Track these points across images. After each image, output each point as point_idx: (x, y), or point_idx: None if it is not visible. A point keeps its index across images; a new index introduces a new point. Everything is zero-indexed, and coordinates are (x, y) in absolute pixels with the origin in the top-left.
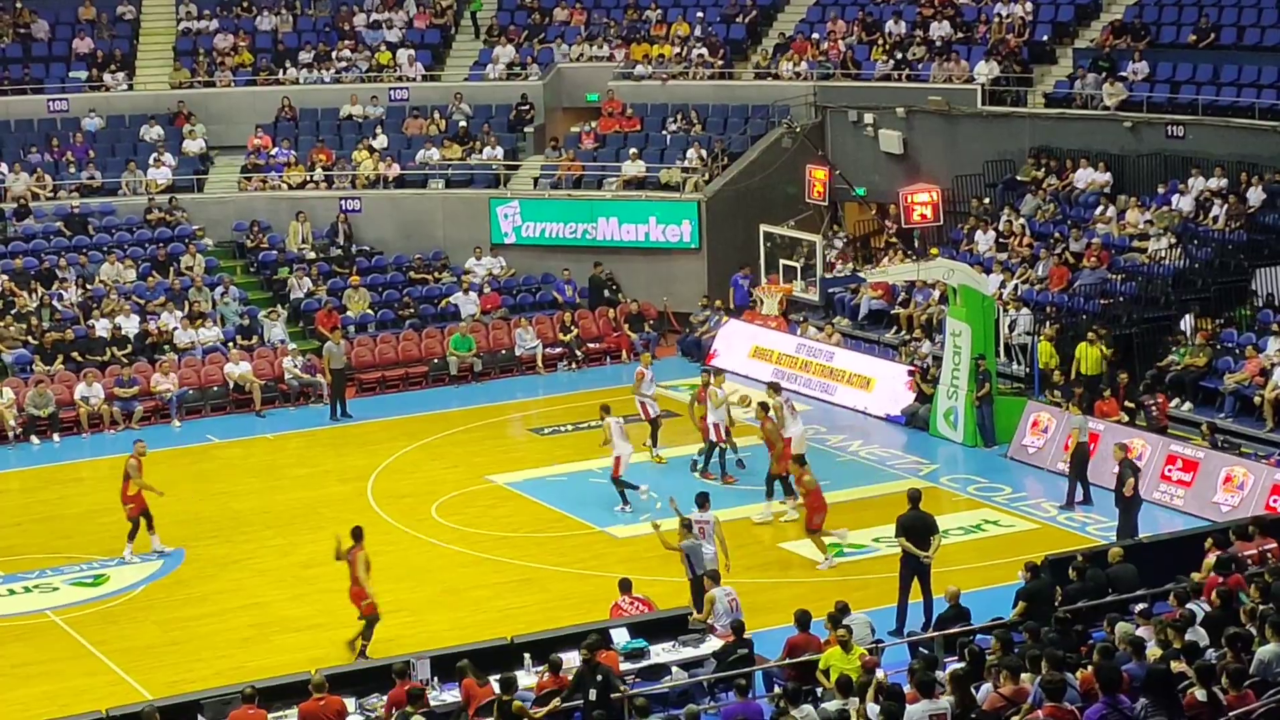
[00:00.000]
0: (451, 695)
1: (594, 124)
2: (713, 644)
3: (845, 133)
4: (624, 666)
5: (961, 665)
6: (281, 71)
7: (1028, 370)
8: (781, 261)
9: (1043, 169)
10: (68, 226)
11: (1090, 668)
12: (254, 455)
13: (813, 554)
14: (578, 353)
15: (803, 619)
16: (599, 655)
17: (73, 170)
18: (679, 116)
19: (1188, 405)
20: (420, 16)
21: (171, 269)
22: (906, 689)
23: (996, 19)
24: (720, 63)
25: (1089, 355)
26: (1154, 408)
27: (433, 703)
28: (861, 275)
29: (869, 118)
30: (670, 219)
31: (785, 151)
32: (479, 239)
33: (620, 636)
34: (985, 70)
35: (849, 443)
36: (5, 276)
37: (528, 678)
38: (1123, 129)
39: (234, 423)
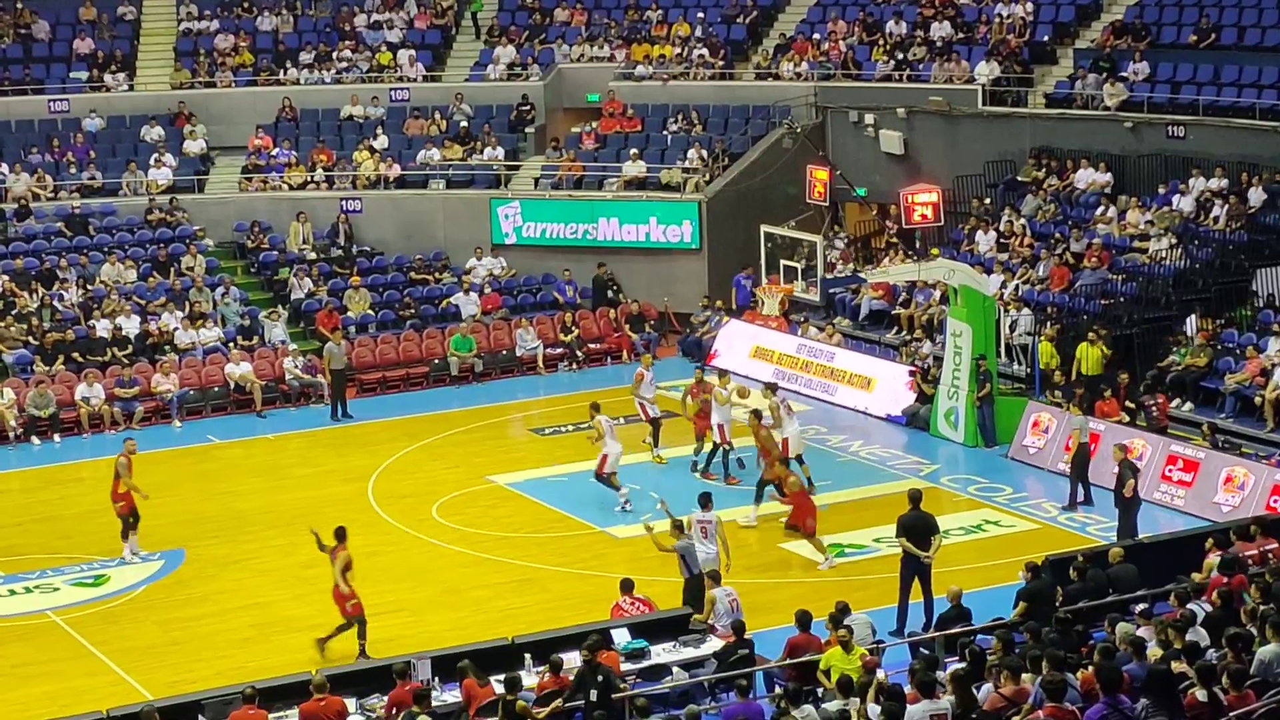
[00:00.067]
0: (452, 696)
1: (595, 124)
2: (713, 644)
3: (846, 133)
4: (625, 667)
5: (962, 665)
6: (282, 72)
7: (1028, 371)
8: (782, 262)
9: (1043, 169)
10: (68, 227)
11: (1091, 668)
12: (255, 456)
13: (812, 554)
14: (578, 353)
15: (803, 619)
16: (599, 655)
17: (73, 171)
18: (680, 117)
19: (1188, 405)
20: (421, 17)
21: (172, 269)
22: (907, 689)
23: (997, 19)
24: (721, 63)
25: (1090, 355)
26: (1154, 408)
27: (433, 703)
28: (862, 275)
29: (870, 118)
30: (671, 219)
31: (786, 152)
32: (480, 239)
33: (621, 637)
34: (986, 71)
35: (850, 443)
36: (6, 277)
37: (529, 678)
38: (1123, 129)
39: (235, 423)
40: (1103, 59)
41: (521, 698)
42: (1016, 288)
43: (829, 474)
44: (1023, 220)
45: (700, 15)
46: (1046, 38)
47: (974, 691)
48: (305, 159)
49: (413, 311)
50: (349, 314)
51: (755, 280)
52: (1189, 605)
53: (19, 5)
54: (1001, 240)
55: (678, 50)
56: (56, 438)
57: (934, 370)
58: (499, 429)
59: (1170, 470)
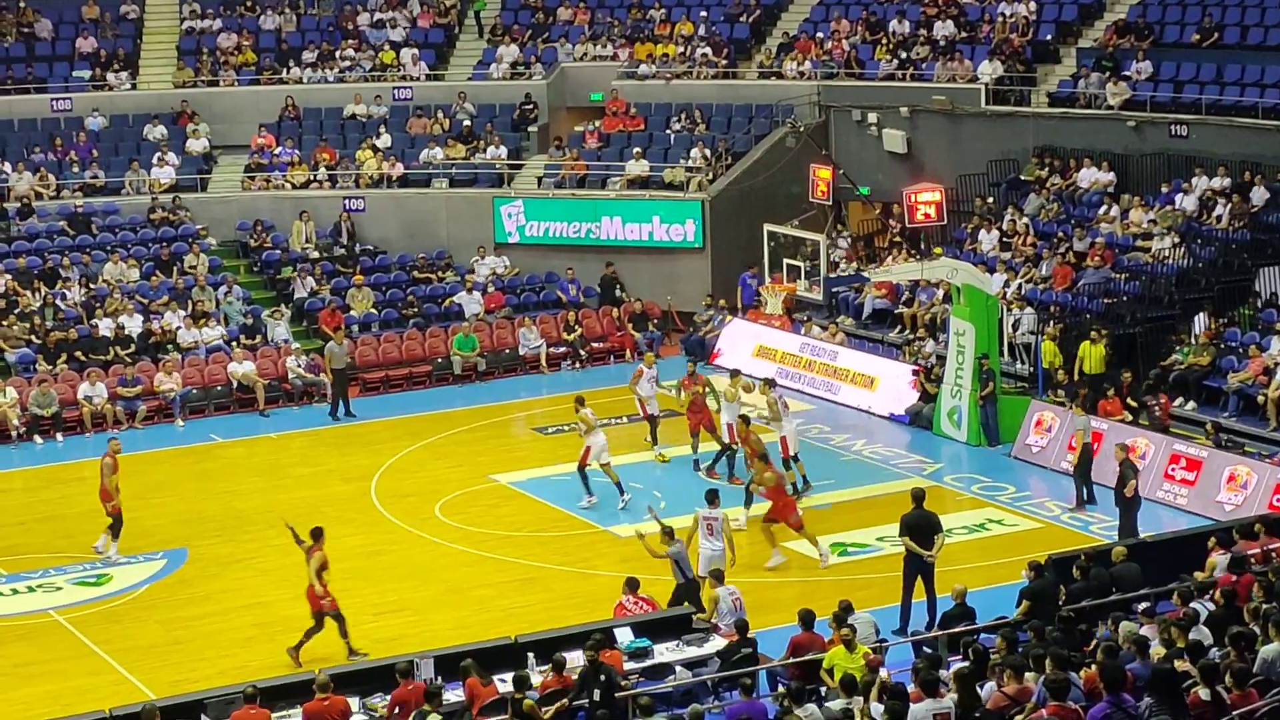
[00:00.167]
0: (455, 695)
1: (598, 123)
2: (717, 643)
3: (849, 132)
4: (628, 666)
5: (965, 664)
6: (285, 71)
7: (1031, 369)
8: (785, 261)
9: (1046, 168)
10: (71, 226)
11: (1094, 667)
12: (257, 455)
13: (811, 552)
14: (581, 352)
15: (806, 618)
16: (602, 655)
17: (76, 169)
18: (683, 116)
19: (1191, 404)
20: (424, 16)
21: (175, 268)
22: (910, 688)
23: (1000, 18)
24: (724, 62)
25: (1092, 354)
26: (1156, 408)
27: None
28: (865, 274)
29: (873, 117)
30: (674, 218)
31: (789, 151)
32: (483, 238)
33: (624, 636)
34: (989, 70)
35: (853, 442)
36: (9, 276)
37: (533, 677)
38: (1126, 128)
39: (237, 422)
40: (1105, 58)
41: (527, 696)
42: (1019, 287)
43: (832, 473)
44: (1026, 219)
45: (703, 14)
46: (1049, 37)
47: (977, 690)
48: (308, 158)
49: (416, 310)
50: (352, 313)
51: (761, 279)
52: (1192, 604)
53: (22, 4)
54: (1004, 239)
55: (681, 49)
56: (59, 437)
57: (937, 369)
58: (502, 428)
59: (1173, 469)
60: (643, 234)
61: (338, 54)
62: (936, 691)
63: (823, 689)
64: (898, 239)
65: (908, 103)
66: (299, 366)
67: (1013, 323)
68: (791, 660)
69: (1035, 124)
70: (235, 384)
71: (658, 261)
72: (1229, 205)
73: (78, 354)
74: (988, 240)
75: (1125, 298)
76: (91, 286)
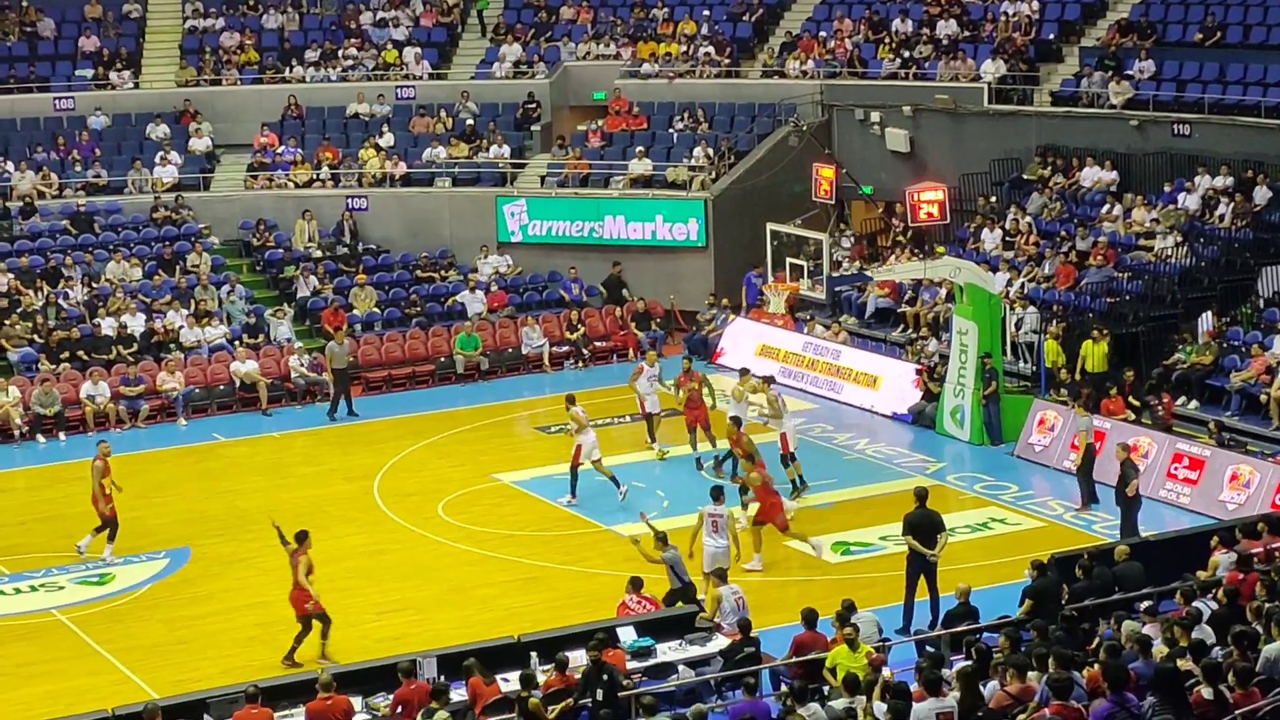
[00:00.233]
0: (458, 694)
1: (601, 122)
2: (719, 642)
3: (852, 131)
4: (630, 665)
5: (968, 663)
6: (288, 70)
7: (1034, 368)
8: (789, 260)
9: (1049, 167)
10: (74, 225)
11: (1097, 666)
12: (260, 454)
13: (807, 549)
14: (584, 351)
15: (809, 617)
16: (605, 654)
17: (79, 169)
18: (685, 115)
19: (1194, 403)
20: (427, 15)
21: (178, 267)
22: (913, 687)
23: (1003, 17)
24: (727, 61)
25: (1094, 353)
26: (1159, 407)
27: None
28: (868, 273)
29: (875, 116)
30: (677, 217)
31: (792, 150)
32: (485, 237)
33: (627, 635)
34: (992, 69)
35: (856, 441)
36: (11, 275)
37: (541, 676)
38: (1129, 127)
39: (240, 421)
40: (1108, 57)
41: (533, 695)
42: (1022, 285)
43: (834, 472)
44: (1028, 218)
45: (706, 13)
46: (1052, 36)
47: (980, 689)
48: (311, 157)
49: (418, 309)
50: (355, 312)
51: (764, 278)
52: (1194, 603)
53: (24, 3)
54: (1007, 238)
55: (684, 48)
56: (62, 436)
57: (940, 368)
58: (505, 427)
59: (1176, 468)
60: (646, 233)
61: (340, 53)
62: (939, 690)
63: (825, 688)
64: (900, 238)
65: (910, 102)
66: (302, 366)
67: (1015, 322)
68: (794, 659)
69: (1038, 123)
70: (238, 383)
71: (660, 261)
72: (1231, 204)
73: (80, 353)
74: (990, 239)
75: (1128, 297)
76: (94, 286)
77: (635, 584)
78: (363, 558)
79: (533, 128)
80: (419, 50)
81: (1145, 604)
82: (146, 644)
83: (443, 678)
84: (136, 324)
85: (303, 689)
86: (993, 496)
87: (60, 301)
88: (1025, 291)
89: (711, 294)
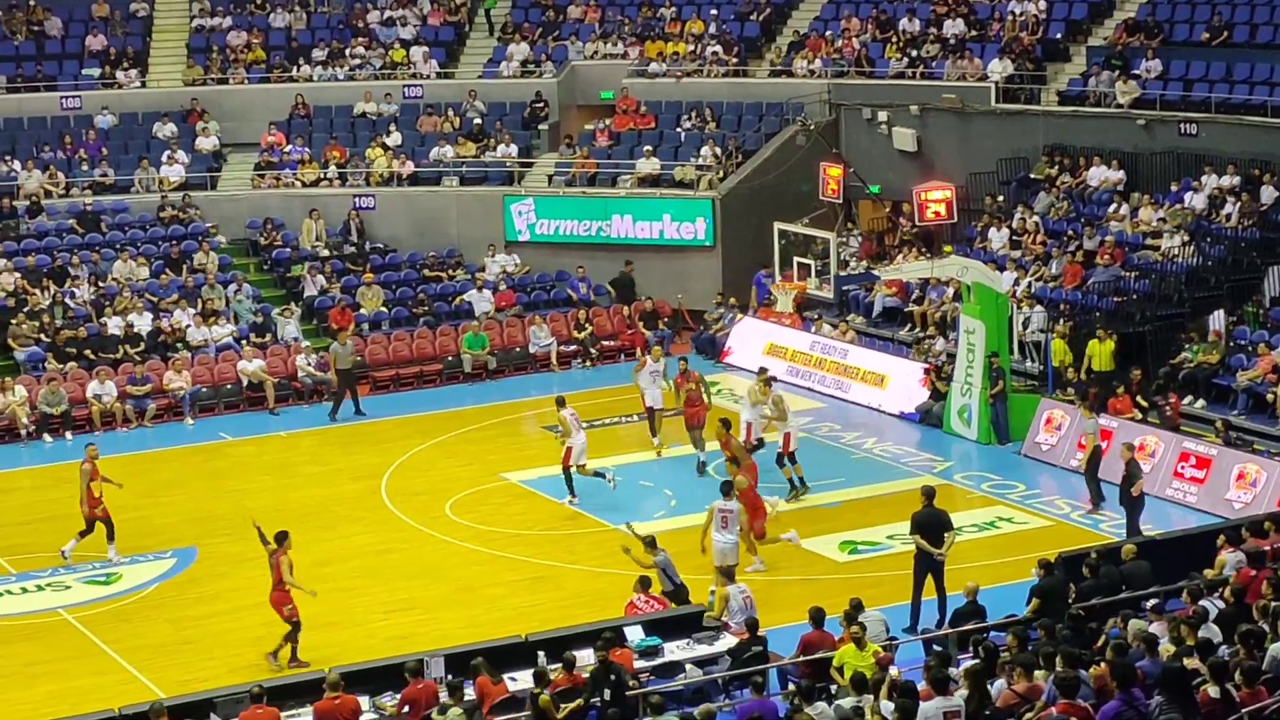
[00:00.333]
0: (468, 693)
1: (608, 121)
2: (727, 641)
3: (859, 130)
4: (638, 664)
5: (976, 662)
6: (295, 69)
7: (1041, 368)
8: (796, 259)
9: (1056, 167)
10: (80, 224)
11: (1104, 664)
12: (267, 453)
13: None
14: (592, 350)
15: (817, 616)
16: (613, 653)
17: (86, 168)
18: (693, 114)
19: (1201, 403)
20: (434, 14)
21: (184, 266)
22: (921, 686)
23: (1010, 16)
24: (734, 60)
25: (1100, 352)
26: (1166, 406)
27: (445, 700)
28: (876, 273)
29: (883, 115)
30: (685, 216)
31: (799, 149)
32: (493, 236)
33: (634, 634)
34: (999, 68)
35: (863, 440)
36: (18, 274)
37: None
38: (1136, 127)
39: (247, 420)
40: (1115, 56)
41: (544, 693)
42: (1029, 285)
43: (842, 471)
44: (1035, 217)
45: (714, 12)
46: (1059, 35)
47: (987, 688)
48: (318, 156)
49: (426, 309)
50: (362, 311)
51: (772, 277)
52: (1201, 602)
53: (31, 2)
54: (1014, 237)
55: (691, 47)
56: (68, 435)
57: (947, 367)
58: (512, 426)
59: (1182, 467)
60: (653, 232)
61: (348, 52)
62: (947, 689)
63: (833, 687)
64: (908, 237)
65: (918, 101)
66: (309, 365)
67: (1023, 321)
68: (802, 658)
69: (1045, 122)
70: (245, 382)
71: (668, 259)
72: (1238, 203)
73: (87, 352)
74: (998, 238)
75: (1135, 296)
76: (101, 285)
77: (643, 583)
78: (370, 557)
79: (540, 127)
80: (426, 49)
81: (1152, 603)
82: (153, 643)
83: (451, 676)
84: (143, 323)
85: (310, 688)
86: (1000, 495)
87: (67, 301)
88: (1032, 290)
89: (719, 293)
